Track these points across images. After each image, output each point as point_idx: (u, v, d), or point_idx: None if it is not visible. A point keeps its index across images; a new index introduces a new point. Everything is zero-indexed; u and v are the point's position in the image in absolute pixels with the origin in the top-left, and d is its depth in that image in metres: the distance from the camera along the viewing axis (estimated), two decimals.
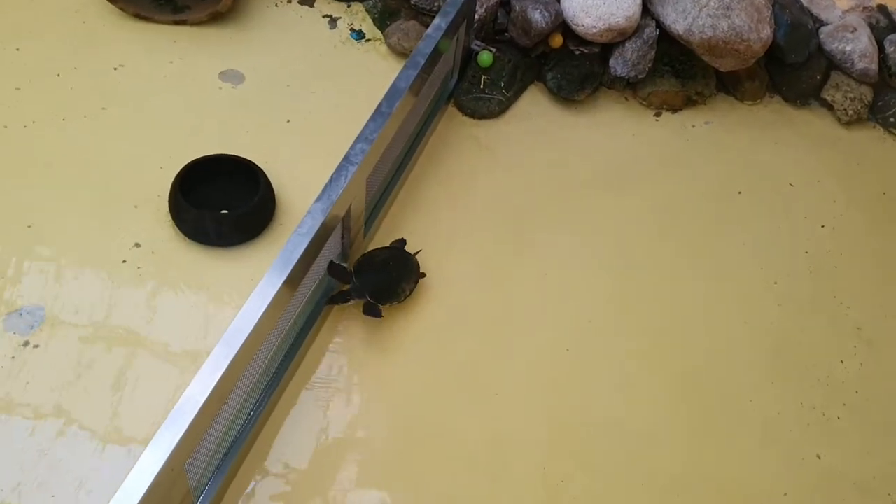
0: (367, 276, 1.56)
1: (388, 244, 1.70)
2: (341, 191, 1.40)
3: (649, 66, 2.06)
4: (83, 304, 1.53)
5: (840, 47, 2.14)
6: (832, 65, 2.19)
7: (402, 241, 1.70)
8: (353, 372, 1.52)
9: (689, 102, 2.14)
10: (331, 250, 1.53)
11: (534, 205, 1.86)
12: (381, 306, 1.56)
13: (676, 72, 2.10)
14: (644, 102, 2.13)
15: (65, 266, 1.58)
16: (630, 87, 2.15)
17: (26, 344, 1.47)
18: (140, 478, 1.03)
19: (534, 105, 2.09)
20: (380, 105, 1.55)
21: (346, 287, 1.56)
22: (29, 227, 1.63)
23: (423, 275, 1.66)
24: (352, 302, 1.56)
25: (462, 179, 1.89)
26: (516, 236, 1.79)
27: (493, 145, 1.97)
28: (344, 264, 1.58)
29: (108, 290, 1.56)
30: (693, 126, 2.11)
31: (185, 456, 1.11)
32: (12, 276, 1.55)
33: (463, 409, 1.51)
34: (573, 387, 1.56)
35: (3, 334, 1.47)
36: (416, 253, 1.67)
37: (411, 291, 1.61)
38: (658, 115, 2.13)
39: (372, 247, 1.71)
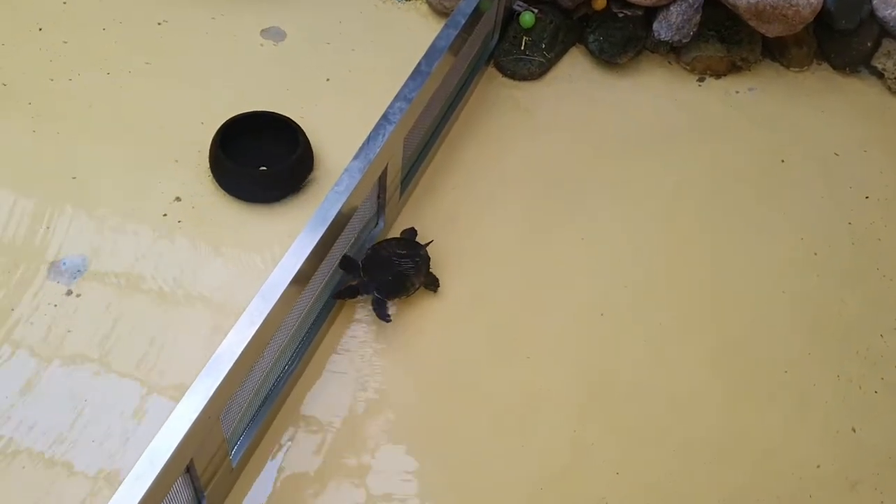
0: (374, 271, 1.52)
1: (407, 230, 1.66)
2: (379, 149, 1.41)
3: (694, 30, 2.02)
4: (124, 256, 1.56)
5: (894, 14, 2.08)
6: (884, 32, 2.12)
7: (413, 232, 1.66)
8: (386, 330, 1.54)
9: (734, 68, 2.10)
10: (367, 209, 1.54)
11: (572, 168, 1.85)
12: (388, 301, 1.52)
13: (722, 37, 2.06)
14: (687, 67, 2.09)
15: (107, 218, 1.61)
16: (673, 51, 2.11)
17: (69, 293, 1.50)
18: (177, 426, 1.05)
19: (574, 67, 2.06)
20: (419, 64, 1.55)
21: (355, 282, 1.52)
22: (73, 178, 1.67)
23: (436, 280, 1.59)
24: (360, 297, 1.53)
25: (500, 141, 1.87)
26: (554, 199, 1.78)
27: (533, 107, 1.96)
28: (355, 259, 1.52)
29: (149, 243, 1.59)
30: (737, 92, 2.07)
31: (220, 406, 1.14)
32: (57, 227, 1.59)
33: (494, 370, 1.52)
34: (606, 352, 1.56)
35: (47, 283, 1.51)
36: (428, 244, 1.62)
37: (421, 285, 1.56)
38: (701, 80, 2.09)
39: (406, 209, 1.71)
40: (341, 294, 1.51)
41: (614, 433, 1.46)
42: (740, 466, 1.45)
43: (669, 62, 2.10)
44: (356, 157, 1.40)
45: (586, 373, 1.53)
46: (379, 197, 1.57)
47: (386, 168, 1.49)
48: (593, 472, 1.41)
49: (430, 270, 1.59)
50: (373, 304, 1.52)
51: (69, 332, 1.45)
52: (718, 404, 1.52)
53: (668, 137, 1.94)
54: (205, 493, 1.21)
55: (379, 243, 1.58)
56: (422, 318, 1.56)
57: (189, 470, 1.13)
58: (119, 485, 1.00)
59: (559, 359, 1.54)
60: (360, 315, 1.55)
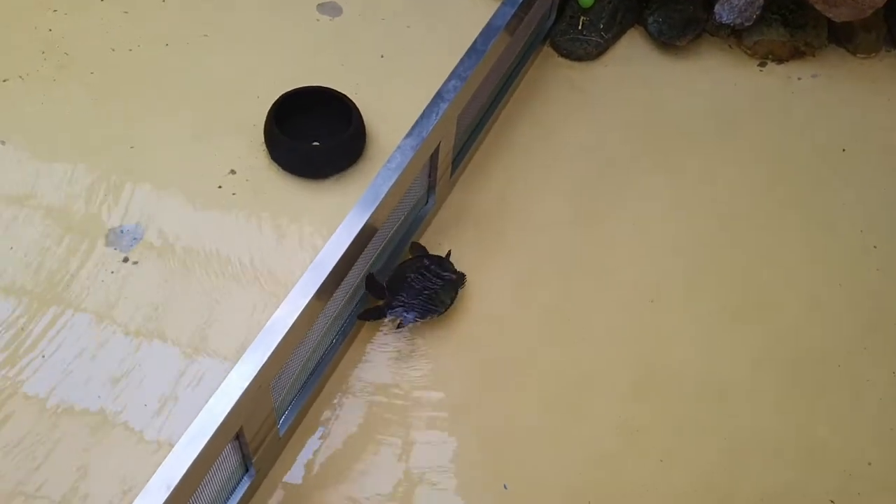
0: (400, 291, 1.46)
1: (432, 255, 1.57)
2: (432, 127, 1.40)
3: (757, 13, 1.97)
4: (179, 225, 1.59)
5: None
6: None
7: (444, 256, 1.57)
8: None
9: (797, 53, 2.04)
10: (418, 187, 1.54)
11: (627, 151, 1.82)
12: (420, 321, 1.47)
13: (786, 21, 2.00)
14: (748, 51, 2.04)
15: (163, 187, 1.64)
16: (735, 34, 2.06)
17: (126, 260, 1.54)
18: (229, 393, 1.07)
19: (632, 49, 2.03)
20: (475, 42, 1.54)
21: (380, 302, 1.47)
22: (132, 147, 1.70)
23: (464, 276, 1.54)
24: (387, 319, 1.48)
25: (553, 122, 1.86)
26: (607, 182, 1.76)
27: (588, 88, 1.93)
28: (380, 281, 1.46)
29: (203, 214, 1.61)
30: (799, 78, 2.02)
31: (271, 375, 1.15)
32: (115, 195, 1.62)
33: (542, 351, 1.51)
34: (656, 339, 1.55)
35: (105, 250, 1.54)
36: (448, 255, 1.56)
37: (452, 301, 1.50)
38: (762, 65, 2.04)
39: (457, 188, 1.71)
40: (366, 315, 1.45)
41: (661, 421, 1.45)
42: (788, 461, 1.42)
43: (730, 46, 2.06)
44: (409, 134, 1.40)
45: (635, 359, 1.52)
46: (430, 175, 1.57)
47: (438, 146, 1.49)
48: (638, 458, 1.40)
49: (462, 288, 1.53)
50: (398, 327, 1.48)
51: (125, 298, 1.49)
52: (768, 397, 1.50)
53: (726, 123, 1.90)
54: (252, 460, 1.24)
55: (405, 262, 1.52)
56: (471, 296, 1.56)
57: (238, 437, 1.15)
58: (170, 448, 1.02)
59: (608, 344, 1.53)
60: None
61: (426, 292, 1.47)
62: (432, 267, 1.51)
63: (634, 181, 1.77)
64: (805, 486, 1.40)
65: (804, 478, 1.41)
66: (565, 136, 1.83)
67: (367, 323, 1.50)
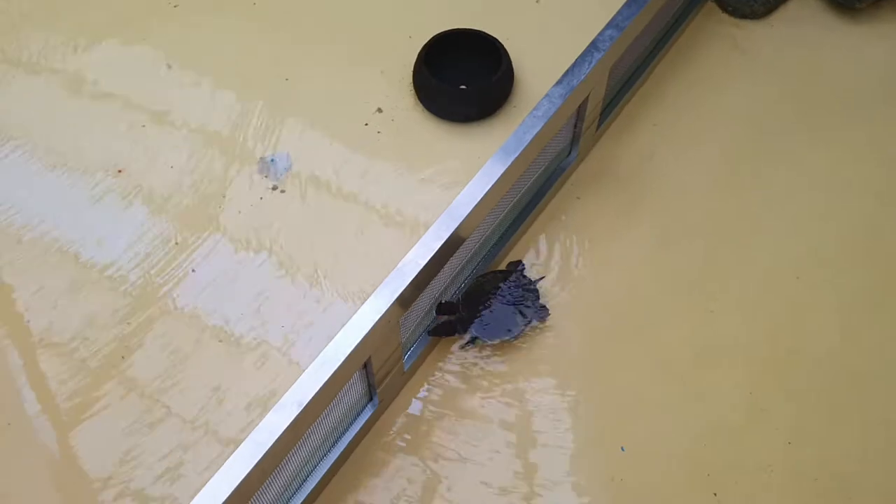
0: (475, 308, 1.39)
1: (512, 262, 1.51)
2: (583, 77, 1.37)
3: None
4: (325, 159, 1.64)
5: None
6: None
7: (521, 265, 1.50)
8: (564, 260, 1.52)
9: None
10: (562, 137, 1.52)
11: (784, 119, 1.72)
12: (491, 343, 1.40)
13: None
14: None
15: (313, 120, 1.70)
16: None
17: (274, 188, 1.60)
18: (361, 323, 1.11)
19: (803, 8, 1.89)
20: None
21: (453, 317, 1.40)
22: (286, 80, 1.76)
23: (547, 313, 1.44)
24: (463, 338, 1.40)
25: (709, 81, 1.77)
26: (760, 150, 1.67)
27: (752, 49, 1.83)
28: (453, 301, 1.41)
29: (348, 150, 1.66)
30: None
31: (401, 311, 1.19)
32: (268, 124, 1.69)
33: (672, 318, 1.47)
34: (796, 317, 1.47)
35: (256, 177, 1.62)
36: (539, 279, 1.48)
37: (527, 326, 1.41)
38: None
39: (602, 142, 1.67)
40: (437, 331, 1.39)
41: (792, 401, 1.39)
42: None
43: None
44: (559, 82, 1.37)
45: (771, 336, 1.45)
46: (576, 126, 1.54)
47: (588, 97, 1.46)
48: (763, 437, 1.36)
49: (542, 304, 1.45)
50: (466, 345, 1.42)
51: (270, 225, 1.56)
52: None
53: None
54: (377, 390, 1.28)
55: (483, 275, 1.45)
56: (603, 257, 1.53)
57: (366, 366, 1.20)
58: (300, 371, 1.07)
59: (744, 317, 1.47)
60: (542, 242, 1.55)
61: (503, 308, 1.41)
62: (514, 283, 1.44)
63: (788, 151, 1.67)
64: None
65: None
66: (720, 98, 1.75)
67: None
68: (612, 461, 1.33)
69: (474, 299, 1.41)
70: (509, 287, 1.43)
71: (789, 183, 1.63)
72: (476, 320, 1.39)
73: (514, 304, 1.42)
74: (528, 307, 1.42)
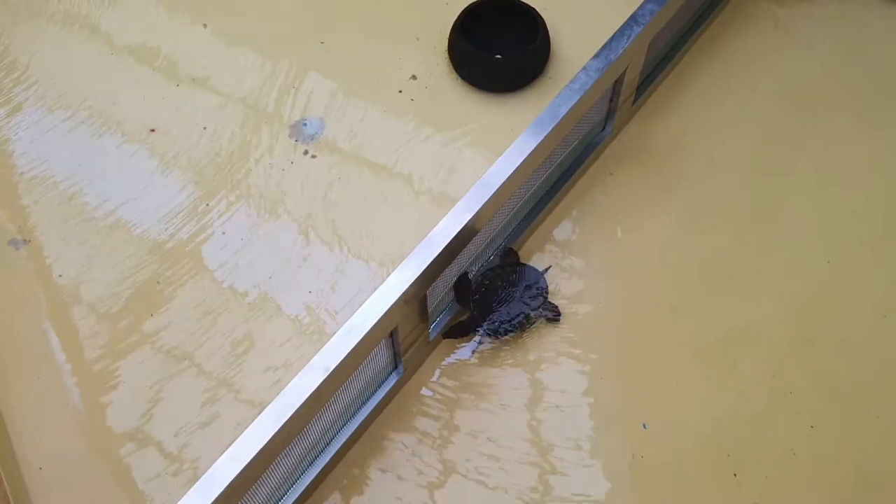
0: (486, 307, 1.38)
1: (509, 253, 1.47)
2: (622, 51, 1.35)
3: None
4: (357, 124, 1.64)
5: None
6: None
7: (516, 255, 1.48)
8: (592, 238, 1.52)
9: None
10: (597, 111, 1.50)
11: (824, 102, 1.69)
12: (501, 338, 1.40)
13: None
14: None
15: (347, 85, 1.69)
16: None
17: (306, 153, 1.60)
18: (387, 293, 1.11)
19: None
20: None
21: (465, 317, 1.40)
22: (322, 43, 1.75)
23: (559, 314, 1.43)
24: (476, 337, 1.40)
25: (748, 60, 1.74)
26: (797, 132, 1.64)
27: (793, 27, 1.79)
28: (472, 282, 1.38)
29: (380, 116, 1.65)
30: None
31: (428, 282, 1.19)
32: (302, 87, 1.68)
33: (700, 299, 1.46)
34: (826, 301, 1.46)
35: (288, 140, 1.62)
36: (546, 270, 1.47)
37: (538, 319, 1.41)
38: None
39: (637, 118, 1.65)
40: (451, 333, 1.39)
41: (817, 386, 1.38)
42: None
43: None
44: (596, 55, 1.35)
45: (800, 320, 1.44)
46: (612, 101, 1.52)
47: (625, 72, 1.44)
48: (786, 420, 1.35)
49: (549, 299, 1.44)
50: (480, 343, 1.41)
51: (300, 189, 1.56)
52: None
53: None
54: (402, 359, 1.29)
55: (491, 269, 1.43)
56: (637, 230, 1.52)
57: (392, 335, 1.20)
58: (325, 337, 1.08)
59: (773, 300, 1.46)
60: (575, 214, 1.54)
61: (514, 305, 1.39)
62: (529, 289, 1.42)
63: (826, 135, 1.64)
64: None
65: None
66: (759, 77, 1.72)
67: (525, 245, 1.50)
68: (633, 438, 1.34)
69: (486, 299, 1.39)
70: (520, 287, 1.42)
71: (824, 168, 1.60)
72: (488, 319, 1.38)
73: (524, 302, 1.41)
74: (538, 305, 1.41)
